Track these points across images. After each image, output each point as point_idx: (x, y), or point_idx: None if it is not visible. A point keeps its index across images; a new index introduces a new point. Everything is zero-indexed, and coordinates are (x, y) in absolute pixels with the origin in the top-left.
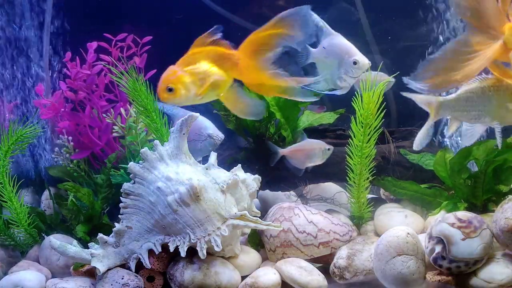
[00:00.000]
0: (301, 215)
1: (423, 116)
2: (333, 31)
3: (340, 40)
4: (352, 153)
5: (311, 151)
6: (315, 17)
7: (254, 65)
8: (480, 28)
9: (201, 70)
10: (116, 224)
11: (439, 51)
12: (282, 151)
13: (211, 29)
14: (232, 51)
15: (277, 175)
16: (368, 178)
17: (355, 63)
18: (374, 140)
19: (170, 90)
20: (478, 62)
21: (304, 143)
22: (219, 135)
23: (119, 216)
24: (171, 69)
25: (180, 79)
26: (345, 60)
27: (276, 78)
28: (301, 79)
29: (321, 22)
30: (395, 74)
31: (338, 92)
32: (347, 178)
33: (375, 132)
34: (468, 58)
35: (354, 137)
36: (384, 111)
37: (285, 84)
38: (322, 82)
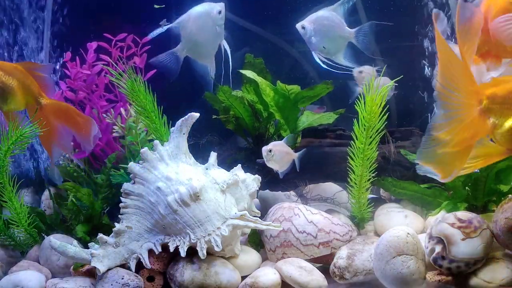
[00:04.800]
0: (301, 215)
1: (423, 115)
2: None
3: None
4: (354, 155)
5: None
6: None
7: (51, 122)
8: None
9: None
10: (116, 224)
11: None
12: None
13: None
14: (43, 95)
15: (277, 175)
16: (369, 180)
17: None
18: (376, 142)
19: None
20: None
21: None
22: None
23: (119, 216)
24: None
25: None
26: None
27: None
28: None
29: None
30: (398, 78)
31: None
32: (348, 179)
33: (377, 134)
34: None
35: (357, 139)
36: (388, 113)
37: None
38: None
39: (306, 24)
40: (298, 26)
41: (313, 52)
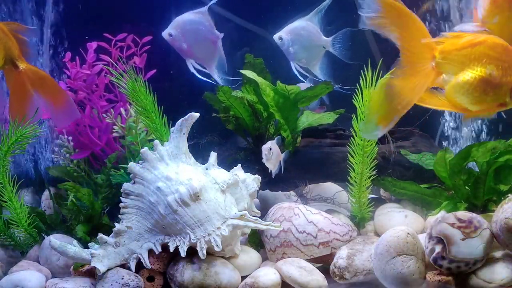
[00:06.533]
0: (301, 215)
1: (423, 116)
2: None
3: None
4: (354, 152)
5: None
6: None
7: (26, 88)
8: (408, 58)
9: None
10: (116, 224)
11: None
12: None
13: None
14: (23, 59)
15: (277, 175)
16: (369, 177)
17: None
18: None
19: None
20: (415, 95)
21: None
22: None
23: (119, 216)
24: None
25: None
26: None
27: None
28: None
29: None
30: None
31: None
32: (348, 178)
33: None
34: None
35: (356, 135)
36: None
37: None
38: None
39: (283, 35)
40: (276, 37)
41: (291, 62)
